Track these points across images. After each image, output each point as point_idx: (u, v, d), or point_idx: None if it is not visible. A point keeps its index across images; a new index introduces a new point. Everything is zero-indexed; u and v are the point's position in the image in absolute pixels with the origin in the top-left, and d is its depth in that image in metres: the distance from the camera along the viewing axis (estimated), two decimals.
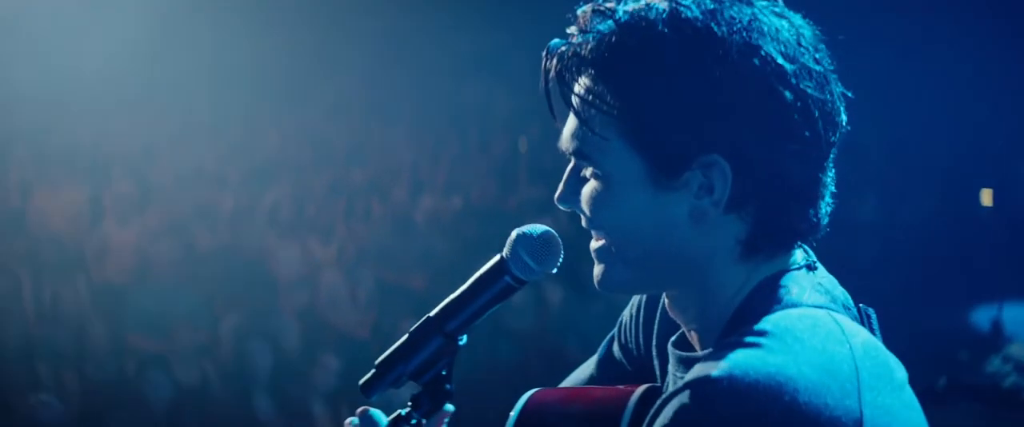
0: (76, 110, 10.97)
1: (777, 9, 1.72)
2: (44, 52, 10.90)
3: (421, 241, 9.27)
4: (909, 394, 1.71)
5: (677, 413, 1.55)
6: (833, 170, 1.75)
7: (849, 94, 1.76)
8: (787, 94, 1.62)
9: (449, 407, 1.98)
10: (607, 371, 2.25)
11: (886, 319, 1.93)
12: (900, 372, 1.72)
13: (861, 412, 1.56)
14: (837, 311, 1.71)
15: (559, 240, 1.96)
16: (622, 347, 2.23)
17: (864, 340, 1.68)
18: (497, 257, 1.94)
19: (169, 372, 7.61)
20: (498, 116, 12.43)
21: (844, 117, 1.73)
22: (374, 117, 11.86)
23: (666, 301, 1.93)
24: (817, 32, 1.75)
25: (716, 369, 1.54)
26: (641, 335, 2.15)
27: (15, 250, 9.57)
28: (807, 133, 1.66)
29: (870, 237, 9.27)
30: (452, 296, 1.97)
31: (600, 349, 2.32)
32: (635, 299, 2.20)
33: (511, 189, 10.67)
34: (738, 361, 1.53)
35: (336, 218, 9.94)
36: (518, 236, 1.92)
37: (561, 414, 1.95)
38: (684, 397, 1.55)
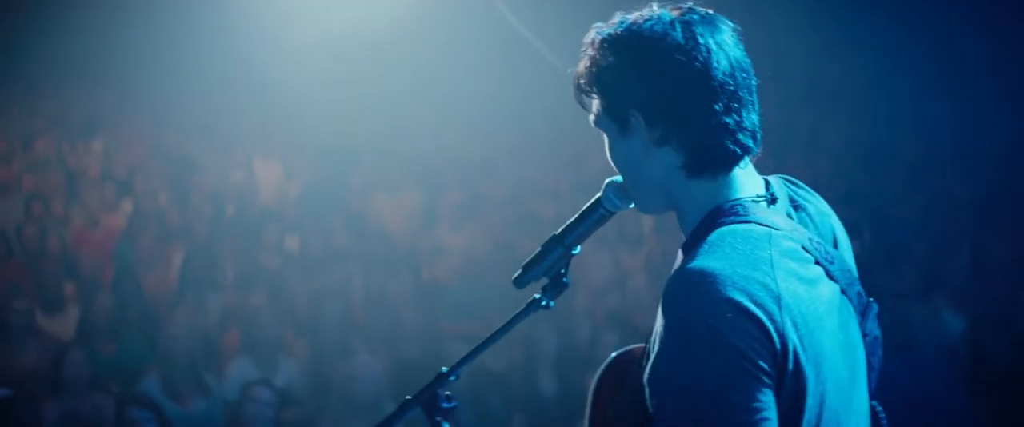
0: (416, 121, 11.66)
1: (673, 19, 2.43)
2: (389, 65, 11.60)
3: None
4: (822, 291, 2.35)
5: (661, 312, 2.29)
6: (749, 108, 2.41)
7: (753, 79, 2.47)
8: (671, 69, 2.37)
9: (567, 281, 2.78)
10: None
11: None
12: (818, 277, 2.37)
13: (778, 287, 2.23)
14: (776, 228, 2.36)
15: None
16: None
17: (788, 249, 2.33)
18: (595, 197, 2.73)
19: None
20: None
21: (733, 73, 2.41)
22: None
23: None
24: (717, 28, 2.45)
25: (671, 278, 2.31)
26: None
27: (351, 247, 10.27)
28: (693, 90, 2.37)
29: None
30: (569, 221, 2.77)
31: None
32: None
33: None
34: (685, 268, 2.28)
35: (646, 231, 10.16)
36: (608, 182, 2.67)
37: (632, 360, 2.66)
38: (664, 296, 2.29)
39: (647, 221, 10.16)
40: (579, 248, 2.78)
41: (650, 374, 2.27)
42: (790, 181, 2.65)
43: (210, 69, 13.86)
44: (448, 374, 2.83)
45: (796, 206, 2.56)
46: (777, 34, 12.99)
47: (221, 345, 8.49)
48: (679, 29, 2.39)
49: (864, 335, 2.49)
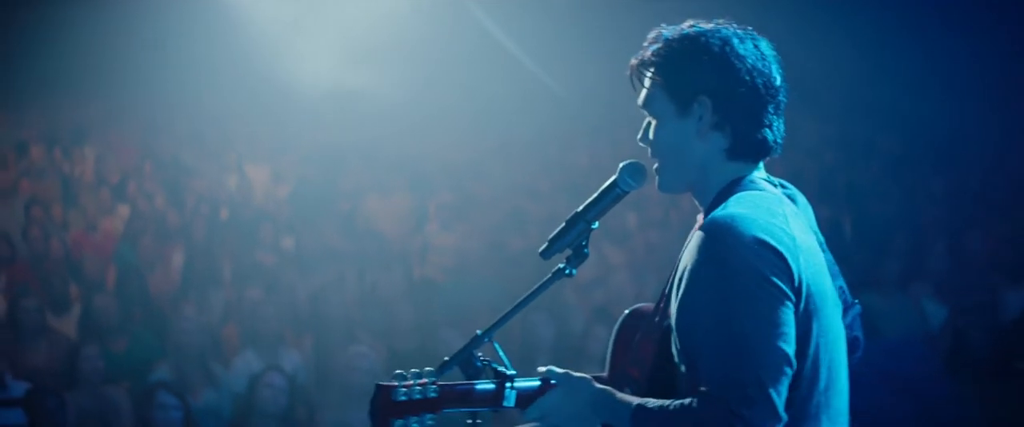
0: (405, 126, 11.96)
1: (743, 33, 2.91)
2: (376, 70, 11.87)
3: None
4: (819, 255, 2.84)
5: (695, 249, 2.73)
6: (781, 118, 2.91)
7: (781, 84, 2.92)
8: (742, 71, 2.84)
9: (586, 252, 3.14)
10: None
11: None
12: (815, 243, 2.86)
13: (792, 234, 2.71)
14: (783, 200, 2.86)
15: (645, 169, 3.08)
16: None
17: (794, 212, 2.85)
18: (612, 178, 3.09)
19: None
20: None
21: (780, 86, 2.91)
22: None
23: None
24: (770, 47, 2.94)
25: (703, 225, 2.77)
26: None
27: (344, 246, 10.62)
28: (755, 90, 2.84)
29: None
30: (588, 199, 3.13)
31: None
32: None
33: None
34: (715, 215, 2.75)
35: (631, 228, 10.52)
36: (623, 165, 3.06)
37: (644, 313, 3.10)
38: (695, 239, 2.76)
39: (631, 218, 10.56)
40: (598, 223, 3.13)
41: (683, 300, 2.73)
42: (783, 184, 3.04)
43: (199, 76, 14.16)
44: (482, 336, 3.11)
45: (792, 201, 2.97)
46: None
47: (225, 339, 8.84)
48: (741, 39, 2.88)
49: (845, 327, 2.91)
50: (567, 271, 3.11)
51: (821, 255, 2.86)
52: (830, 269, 2.90)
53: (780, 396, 2.58)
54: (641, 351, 3.01)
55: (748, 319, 2.60)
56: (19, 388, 7.44)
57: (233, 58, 13.50)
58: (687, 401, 2.65)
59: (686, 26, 2.93)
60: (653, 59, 2.92)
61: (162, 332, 8.67)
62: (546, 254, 3.14)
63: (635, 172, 3.04)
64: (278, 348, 8.43)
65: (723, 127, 2.86)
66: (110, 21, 13.64)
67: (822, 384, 2.73)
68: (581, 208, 3.13)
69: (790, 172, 11.88)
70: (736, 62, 2.84)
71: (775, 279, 2.63)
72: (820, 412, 2.73)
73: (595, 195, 3.13)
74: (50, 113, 15.29)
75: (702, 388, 2.62)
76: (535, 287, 3.15)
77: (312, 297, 9.28)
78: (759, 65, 2.85)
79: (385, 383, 2.97)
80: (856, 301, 2.99)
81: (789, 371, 2.61)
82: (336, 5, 12.37)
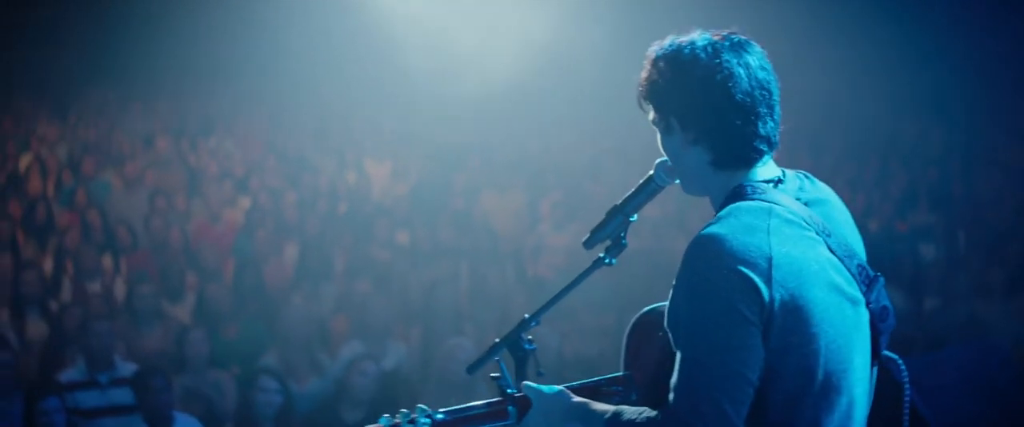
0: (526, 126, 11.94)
1: (718, 44, 2.92)
2: (502, 70, 11.88)
3: None
4: (815, 254, 2.82)
5: (680, 266, 2.81)
6: (767, 120, 2.90)
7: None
8: (707, 88, 2.87)
9: (625, 243, 3.31)
10: None
11: None
12: (812, 242, 2.84)
13: (771, 250, 2.74)
14: (778, 203, 2.87)
15: None
16: None
17: (786, 219, 2.84)
18: (648, 174, 3.22)
19: (564, 342, 8.35)
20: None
21: (762, 91, 2.91)
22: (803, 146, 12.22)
23: None
24: (755, 53, 2.94)
25: (691, 242, 2.82)
26: None
27: (458, 242, 10.66)
28: (725, 104, 2.87)
29: None
30: (626, 194, 3.29)
31: None
32: None
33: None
34: (698, 234, 2.82)
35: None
36: (658, 163, 3.16)
37: (658, 314, 3.07)
38: (684, 255, 2.82)
39: (632, 228, 10.41)
40: (636, 216, 3.31)
41: (669, 313, 2.87)
42: (805, 176, 3.08)
43: (324, 72, 14.35)
44: (530, 319, 3.34)
45: (802, 191, 3.00)
46: (882, 45, 13.17)
47: (334, 330, 8.93)
48: (709, 54, 2.90)
49: (869, 303, 2.92)
50: (607, 261, 3.31)
51: (820, 252, 2.87)
52: (843, 250, 2.93)
53: (738, 414, 2.70)
54: (645, 355, 3.13)
55: (708, 344, 2.72)
56: (128, 369, 7.62)
57: (358, 54, 13.66)
58: (654, 413, 2.80)
59: (664, 43, 2.99)
60: (641, 83, 3.01)
61: (273, 321, 8.78)
62: (588, 244, 3.35)
63: (670, 169, 3.12)
64: (384, 339, 8.49)
65: (699, 142, 2.93)
66: (240, 14, 13.91)
67: (815, 388, 2.79)
68: (620, 202, 3.30)
69: (910, 179, 11.82)
70: (694, 81, 2.90)
71: (740, 306, 2.71)
72: (819, 414, 2.81)
73: (633, 190, 3.29)
74: (178, 105, 15.66)
75: (670, 398, 2.76)
76: (577, 275, 3.34)
77: (425, 291, 9.33)
78: (720, 78, 2.88)
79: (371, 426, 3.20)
80: (878, 274, 2.97)
81: (749, 389, 2.71)
82: (461, 4, 12.42)
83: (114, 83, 16.15)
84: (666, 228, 10.60)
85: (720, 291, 2.71)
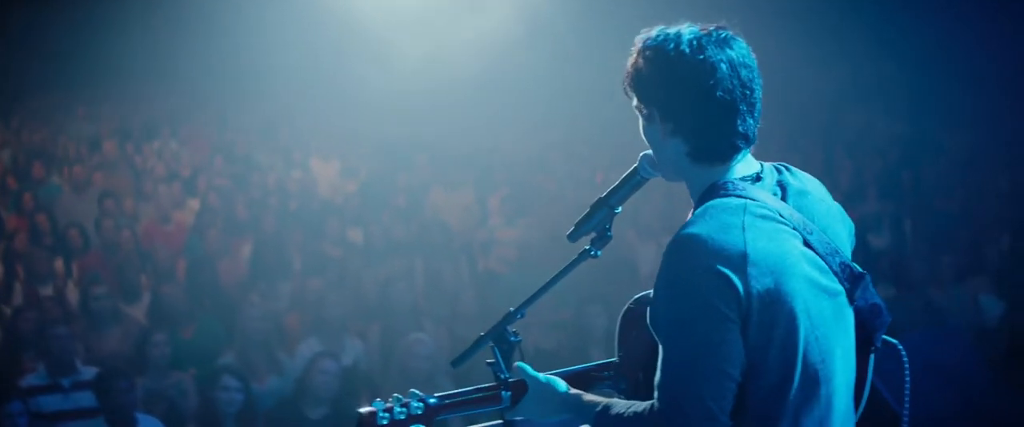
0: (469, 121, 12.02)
1: (703, 38, 2.95)
2: (444, 68, 11.98)
3: None
4: (791, 247, 2.88)
5: (661, 264, 2.86)
6: (747, 117, 2.94)
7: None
8: (688, 82, 2.90)
9: (610, 235, 3.33)
10: None
11: None
12: (788, 236, 2.89)
13: (745, 245, 2.79)
14: (754, 199, 2.93)
15: None
16: None
17: (762, 215, 2.89)
18: (633, 166, 3.26)
19: (528, 338, 8.45)
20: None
21: (743, 88, 2.94)
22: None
23: None
24: (740, 49, 2.98)
25: (669, 242, 2.86)
26: None
27: (410, 239, 10.76)
28: (705, 98, 2.91)
29: None
30: (611, 187, 3.31)
31: None
32: None
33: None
34: (677, 233, 2.86)
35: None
36: (643, 155, 3.20)
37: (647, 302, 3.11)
38: (664, 253, 2.88)
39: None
40: (620, 208, 3.33)
41: (650, 313, 2.91)
42: (785, 168, 3.12)
43: (269, 72, 14.36)
44: (515, 312, 3.34)
45: (782, 186, 3.05)
46: (821, 40, 13.39)
47: (289, 327, 8.99)
48: (693, 49, 2.93)
49: (854, 301, 3.00)
50: (592, 253, 3.33)
51: (795, 245, 2.92)
52: (824, 247, 2.98)
53: (722, 410, 2.77)
54: (635, 345, 3.20)
55: (688, 342, 2.78)
56: (90, 373, 7.65)
57: (304, 55, 13.68)
58: (641, 408, 2.88)
59: (652, 33, 3.02)
60: (627, 72, 3.03)
61: (230, 320, 8.83)
62: (573, 237, 3.36)
63: (654, 161, 3.16)
64: (342, 336, 8.57)
65: (677, 134, 2.97)
66: (183, 17, 13.89)
67: (796, 380, 2.85)
68: (605, 194, 3.33)
69: (856, 169, 12.05)
70: (682, 74, 2.93)
71: (718, 304, 2.76)
72: (800, 405, 2.86)
73: (618, 182, 3.31)
74: (123, 109, 15.61)
75: (655, 395, 2.81)
76: (562, 267, 3.34)
77: (380, 287, 9.41)
78: (712, 74, 2.91)
79: (366, 410, 3.21)
80: (863, 272, 3.02)
81: (731, 385, 2.77)
82: (404, 3, 12.49)
83: (57, 88, 16.07)
84: (619, 227, 10.72)
85: (698, 290, 2.76)
